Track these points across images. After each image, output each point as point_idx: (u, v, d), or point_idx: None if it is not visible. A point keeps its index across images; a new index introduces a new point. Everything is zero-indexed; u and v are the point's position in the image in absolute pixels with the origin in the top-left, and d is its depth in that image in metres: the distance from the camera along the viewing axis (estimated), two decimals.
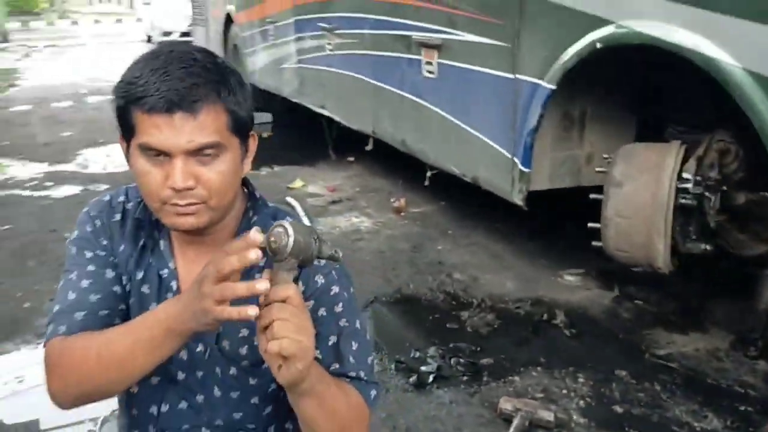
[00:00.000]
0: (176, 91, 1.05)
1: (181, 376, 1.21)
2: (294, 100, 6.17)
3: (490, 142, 3.22)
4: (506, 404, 2.40)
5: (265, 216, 1.25)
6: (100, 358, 1.09)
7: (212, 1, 8.43)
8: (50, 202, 4.91)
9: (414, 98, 3.90)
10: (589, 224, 2.67)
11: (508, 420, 2.36)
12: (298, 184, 5.30)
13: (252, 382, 1.23)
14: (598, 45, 2.47)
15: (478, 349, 2.91)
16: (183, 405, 1.22)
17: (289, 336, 0.97)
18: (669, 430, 2.37)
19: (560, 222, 3.99)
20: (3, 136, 7.30)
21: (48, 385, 1.16)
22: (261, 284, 0.95)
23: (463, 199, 4.48)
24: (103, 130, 7.33)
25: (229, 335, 1.19)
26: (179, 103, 1.05)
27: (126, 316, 1.20)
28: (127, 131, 1.10)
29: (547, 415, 2.33)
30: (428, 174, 4.06)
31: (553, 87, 2.75)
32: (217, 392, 1.22)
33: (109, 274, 1.21)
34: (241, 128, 1.14)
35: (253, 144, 1.21)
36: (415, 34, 3.76)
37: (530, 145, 2.93)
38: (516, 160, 3.04)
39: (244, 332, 1.19)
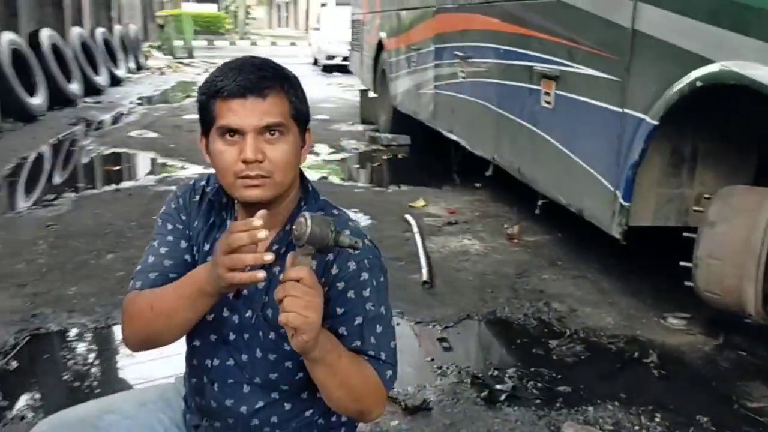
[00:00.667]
0: (249, 80, 1.31)
1: (231, 337, 1.42)
2: (428, 124, 6.40)
3: (596, 174, 3.24)
4: (569, 429, 2.42)
5: (313, 207, 1.45)
6: (153, 310, 1.35)
7: (367, 29, 8.92)
8: None
9: (531, 127, 3.98)
10: (681, 263, 2.62)
11: None
12: (419, 203, 5.50)
13: (287, 347, 1.39)
14: (698, 84, 2.46)
15: (559, 376, 2.92)
16: (230, 362, 1.43)
17: (296, 311, 1.17)
18: None
19: (675, 263, 3.87)
20: (172, 140, 8.15)
21: (122, 330, 1.44)
22: (268, 255, 1.18)
23: (580, 232, 4.45)
24: None
25: (273, 304, 1.37)
26: (251, 89, 1.30)
27: None
28: (207, 124, 1.37)
29: None
30: (539, 203, 4.10)
31: (656, 123, 2.74)
32: (258, 353, 1.42)
33: (183, 244, 1.47)
34: (300, 117, 1.38)
35: (309, 138, 1.44)
36: (537, 65, 3.85)
37: (632, 179, 2.93)
38: (618, 193, 3.04)
39: None
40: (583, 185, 3.37)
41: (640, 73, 2.84)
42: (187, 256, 1.47)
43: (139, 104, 11.50)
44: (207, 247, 1.46)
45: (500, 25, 4.42)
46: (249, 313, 1.41)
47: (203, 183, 1.53)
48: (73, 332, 3.19)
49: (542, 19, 3.84)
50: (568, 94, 3.50)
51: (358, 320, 1.36)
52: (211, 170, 1.44)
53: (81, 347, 3.10)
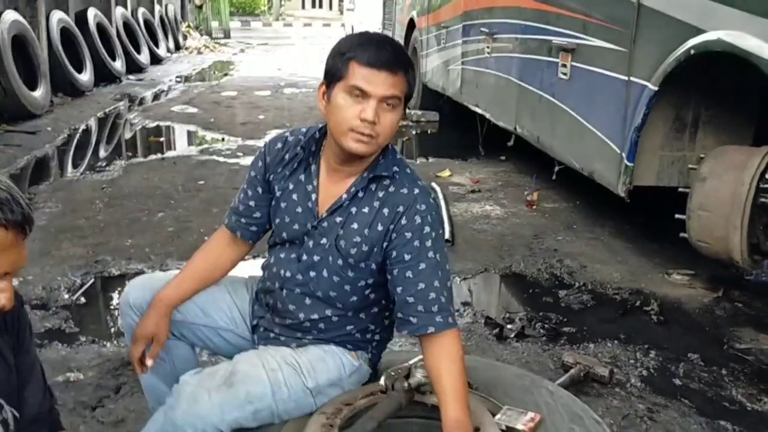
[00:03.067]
0: (386, 57, 1.58)
1: (305, 257, 1.75)
2: (456, 99, 6.68)
3: (605, 138, 3.51)
4: (568, 357, 2.72)
5: (390, 162, 1.71)
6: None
7: (399, 8, 9.18)
8: (238, 167, 5.86)
9: (549, 97, 4.25)
10: (676, 215, 2.90)
11: (567, 370, 2.69)
12: (445, 173, 5.80)
13: (350, 274, 1.74)
14: (692, 52, 2.72)
15: (565, 320, 3.22)
16: (299, 276, 1.75)
17: None
18: (720, 406, 2.55)
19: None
20: (212, 115, 8.55)
21: None
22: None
23: (597, 199, 4.71)
24: (292, 116, 8.35)
25: (345, 236, 1.70)
26: (387, 64, 1.57)
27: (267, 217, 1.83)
28: (334, 77, 1.60)
29: (602, 371, 2.62)
30: (555, 169, 4.38)
31: (656, 88, 3.01)
32: (324, 273, 1.74)
33: (259, 190, 1.80)
34: (408, 96, 1.65)
35: (405, 112, 1.70)
36: (555, 39, 4.12)
37: (635, 142, 3.20)
38: (623, 155, 3.31)
39: (357, 239, 1.69)
40: (593, 149, 3.65)
41: (643, 43, 3.11)
42: (263, 199, 1.81)
43: (179, 82, 11.94)
44: (291, 185, 1.75)
45: (522, 1, 4.68)
46: (324, 240, 1.72)
47: (287, 134, 1.80)
48: (131, 275, 3.59)
49: None
50: (583, 65, 3.77)
51: (422, 266, 1.65)
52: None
53: None
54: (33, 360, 1.36)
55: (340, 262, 1.72)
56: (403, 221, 1.65)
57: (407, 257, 1.65)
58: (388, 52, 1.59)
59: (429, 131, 8.02)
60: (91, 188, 5.16)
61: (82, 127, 7.70)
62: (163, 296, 1.78)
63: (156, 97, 10.22)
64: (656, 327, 3.18)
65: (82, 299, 3.29)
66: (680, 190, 2.89)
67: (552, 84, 4.20)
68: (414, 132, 7.92)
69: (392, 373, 1.73)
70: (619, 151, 3.35)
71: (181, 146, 7.21)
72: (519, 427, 1.73)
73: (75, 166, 6.10)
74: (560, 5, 4.07)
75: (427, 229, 1.66)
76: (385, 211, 1.67)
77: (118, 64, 10.91)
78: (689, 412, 2.49)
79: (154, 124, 7.98)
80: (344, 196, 1.70)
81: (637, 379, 2.71)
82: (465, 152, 6.58)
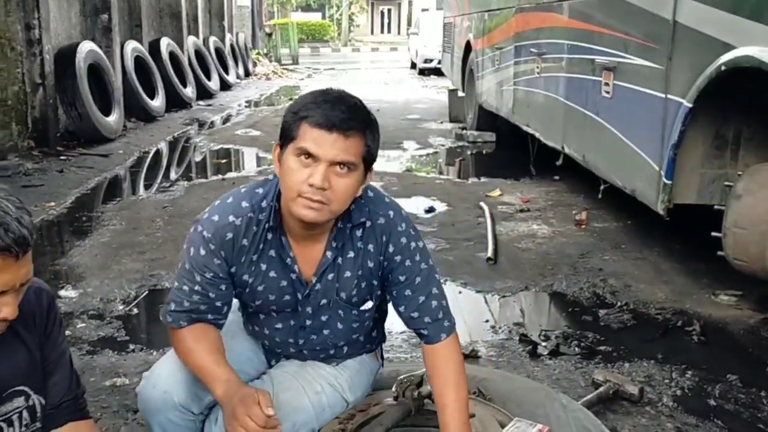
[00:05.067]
0: (339, 117, 1.49)
1: (308, 323, 1.78)
2: (508, 119, 6.71)
3: (644, 156, 3.49)
4: (599, 375, 2.71)
5: (360, 205, 1.66)
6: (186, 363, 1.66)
7: (458, 31, 9.29)
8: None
9: (593, 116, 4.25)
10: (713, 233, 2.86)
11: (598, 388, 2.67)
12: (496, 193, 5.82)
13: (365, 315, 1.81)
14: (723, 68, 2.70)
15: (602, 338, 3.19)
16: (314, 337, 1.81)
17: None
18: (754, 428, 2.49)
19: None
20: (273, 137, 8.81)
21: None
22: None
23: (648, 219, 4.62)
24: None
25: (343, 288, 1.72)
26: (339, 126, 1.48)
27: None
28: (287, 139, 1.52)
29: (632, 389, 2.60)
30: (601, 188, 4.35)
31: (691, 105, 2.99)
32: (339, 326, 1.80)
33: (222, 287, 1.66)
34: (369, 159, 1.57)
35: (370, 176, 1.62)
36: (598, 58, 4.13)
37: (673, 159, 3.17)
38: (661, 172, 3.29)
39: (354, 282, 1.72)
40: (634, 167, 3.63)
41: (678, 60, 3.09)
42: (228, 295, 1.69)
43: (246, 107, 12.38)
44: (263, 266, 1.67)
45: (568, 22, 4.71)
46: (324, 301, 1.75)
47: (231, 218, 1.62)
48: None
49: (602, 15, 4.12)
50: (623, 83, 3.77)
51: (418, 280, 1.73)
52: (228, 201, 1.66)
53: None
54: (62, 352, 1.48)
55: (353, 311, 1.79)
56: (391, 248, 1.69)
57: (402, 278, 1.71)
58: (341, 113, 1.49)
59: (484, 151, 8.05)
60: (154, 207, 5.44)
61: (152, 150, 8.10)
62: (228, 377, 1.56)
63: (224, 121, 10.64)
64: (696, 347, 3.12)
65: (135, 310, 3.49)
66: (716, 207, 2.85)
67: (596, 102, 4.20)
68: (469, 152, 7.97)
69: (404, 381, 1.81)
70: (657, 169, 3.33)
71: (242, 168, 7.49)
72: None
73: (142, 186, 6.43)
74: (602, 24, 4.08)
75: (412, 245, 1.71)
76: (371, 247, 1.70)
77: (189, 91, 11.42)
78: None
79: (218, 147, 8.31)
80: (328, 254, 1.68)
81: (669, 398, 2.67)
82: (517, 172, 6.58)
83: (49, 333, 1.45)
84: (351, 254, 1.70)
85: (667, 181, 3.24)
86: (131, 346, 3.08)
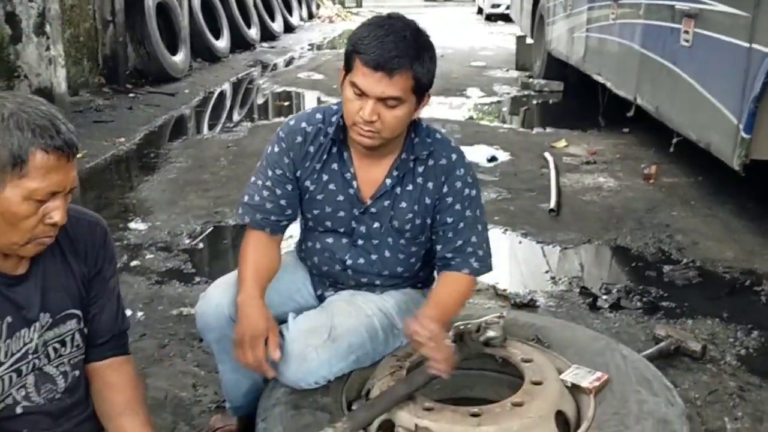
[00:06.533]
0: (384, 56, 1.54)
1: (360, 242, 1.84)
2: (579, 68, 6.50)
3: (723, 109, 3.34)
4: (660, 330, 2.66)
5: (422, 139, 1.77)
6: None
7: None
8: None
9: (670, 66, 4.07)
10: None
11: (658, 343, 2.63)
12: (561, 143, 5.68)
13: (412, 249, 1.86)
14: None
15: (666, 294, 3.12)
16: (361, 260, 1.85)
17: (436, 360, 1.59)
18: None
19: None
20: (335, 81, 8.73)
21: None
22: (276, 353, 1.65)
23: (722, 176, 4.45)
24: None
25: (398, 216, 1.80)
26: (383, 66, 1.54)
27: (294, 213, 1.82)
28: (348, 68, 1.62)
29: (695, 345, 2.55)
30: (674, 141, 4.20)
31: None
32: (387, 254, 1.85)
33: (288, 187, 1.77)
34: (420, 90, 1.62)
35: (427, 99, 1.68)
36: (678, 4, 3.92)
37: (753, 112, 3.02)
38: (740, 126, 3.14)
39: (409, 216, 1.79)
40: (711, 120, 3.48)
41: (766, 8, 2.91)
42: (293, 196, 1.79)
43: (309, 50, 12.35)
44: (325, 177, 1.77)
45: None
46: (377, 225, 1.81)
47: (303, 124, 1.75)
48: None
49: None
50: (705, 32, 3.58)
51: (461, 225, 1.78)
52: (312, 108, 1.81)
53: None
54: (110, 289, 1.50)
55: (401, 241, 1.83)
56: (445, 189, 1.76)
57: (449, 220, 1.77)
58: (388, 51, 1.54)
59: (551, 101, 7.84)
60: (218, 146, 5.54)
61: (217, 90, 8.19)
62: (252, 294, 1.71)
63: (286, 63, 10.65)
64: (764, 308, 3.02)
65: (200, 245, 3.59)
66: None
67: (674, 51, 4.01)
68: (535, 102, 7.78)
69: (461, 326, 1.81)
70: (736, 122, 3.18)
71: (303, 110, 7.51)
72: (583, 384, 1.76)
73: (207, 126, 6.53)
74: None
75: (466, 191, 1.76)
76: (430, 185, 1.76)
77: (253, 32, 11.44)
78: None
79: (280, 89, 8.35)
80: (388, 181, 1.75)
81: (732, 357, 2.61)
82: (585, 123, 6.40)
83: (100, 268, 1.46)
84: (410, 187, 1.77)
85: (745, 136, 3.09)
86: (196, 279, 3.18)
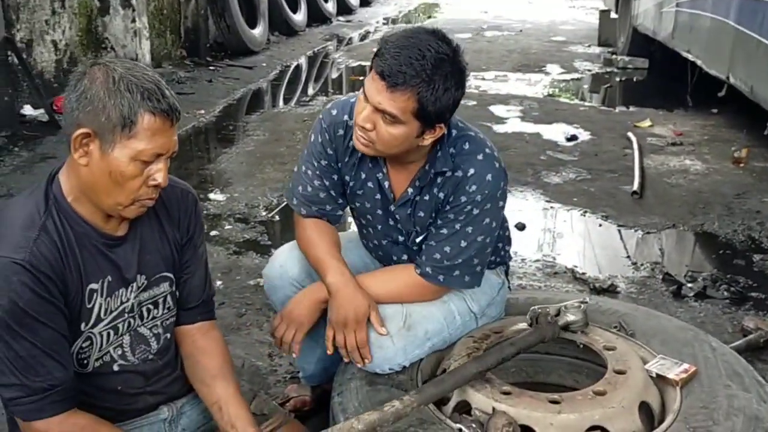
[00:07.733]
0: (392, 68, 1.48)
1: (400, 239, 1.84)
2: (667, 44, 6.21)
3: None
4: (749, 322, 2.54)
5: (445, 152, 1.68)
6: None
7: None
8: None
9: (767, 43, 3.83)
10: None
11: (746, 335, 2.50)
12: (645, 123, 5.46)
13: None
14: None
15: (755, 285, 2.97)
16: (405, 257, 1.86)
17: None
18: None
19: None
20: None
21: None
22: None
23: None
24: (489, 59, 8.27)
25: (419, 225, 1.78)
26: (387, 77, 1.48)
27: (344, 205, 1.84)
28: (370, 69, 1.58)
29: None
30: None
31: None
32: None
33: (335, 177, 1.78)
34: (424, 118, 1.53)
35: (438, 131, 1.60)
36: None
37: None
38: None
39: (429, 222, 1.76)
40: None
41: None
42: (339, 185, 1.79)
43: (384, 24, 12.25)
44: (363, 174, 1.76)
45: None
46: (399, 226, 1.82)
47: (345, 117, 1.72)
48: None
49: None
50: None
51: (444, 231, 1.72)
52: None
53: None
54: (200, 256, 1.54)
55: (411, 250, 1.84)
56: (451, 199, 1.70)
57: (438, 223, 1.74)
58: (398, 64, 1.47)
59: (635, 79, 7.53)
60: (294, 120, 5.58)
61: (293, 64, 8.25)
62: (343, 272, 1.73)
63: (362, 38, 10.61)
64: None
65: (276, 217, 3.64)
66: None
67: None
68: (618, 79, 7.49)
69: (538, 310, 1.77)
70: None
71: None
72: (670, 376, 1.69)
73: (283, 99, 6.59)
74: None
75: (467, 207, 1.69)
76: (442, 195, 1.72)
77: (330, 6, 11.42)
78: None
79: (355, 64, 8.32)
80: (410, 190, 1.74)
81: None
82: (671, 102, 6.12)
83: (191, 235, 1.51)
84: (427, 197, 1.73)
85: None
86: (272, 251, 3.20)
